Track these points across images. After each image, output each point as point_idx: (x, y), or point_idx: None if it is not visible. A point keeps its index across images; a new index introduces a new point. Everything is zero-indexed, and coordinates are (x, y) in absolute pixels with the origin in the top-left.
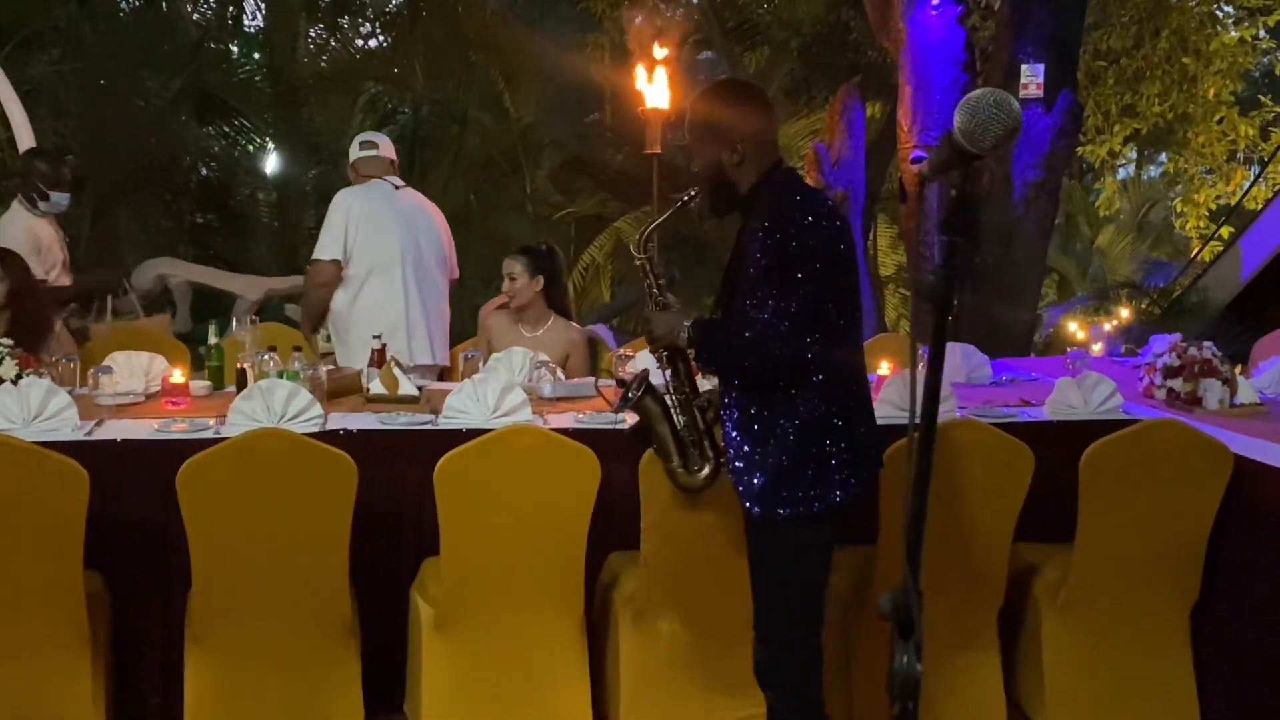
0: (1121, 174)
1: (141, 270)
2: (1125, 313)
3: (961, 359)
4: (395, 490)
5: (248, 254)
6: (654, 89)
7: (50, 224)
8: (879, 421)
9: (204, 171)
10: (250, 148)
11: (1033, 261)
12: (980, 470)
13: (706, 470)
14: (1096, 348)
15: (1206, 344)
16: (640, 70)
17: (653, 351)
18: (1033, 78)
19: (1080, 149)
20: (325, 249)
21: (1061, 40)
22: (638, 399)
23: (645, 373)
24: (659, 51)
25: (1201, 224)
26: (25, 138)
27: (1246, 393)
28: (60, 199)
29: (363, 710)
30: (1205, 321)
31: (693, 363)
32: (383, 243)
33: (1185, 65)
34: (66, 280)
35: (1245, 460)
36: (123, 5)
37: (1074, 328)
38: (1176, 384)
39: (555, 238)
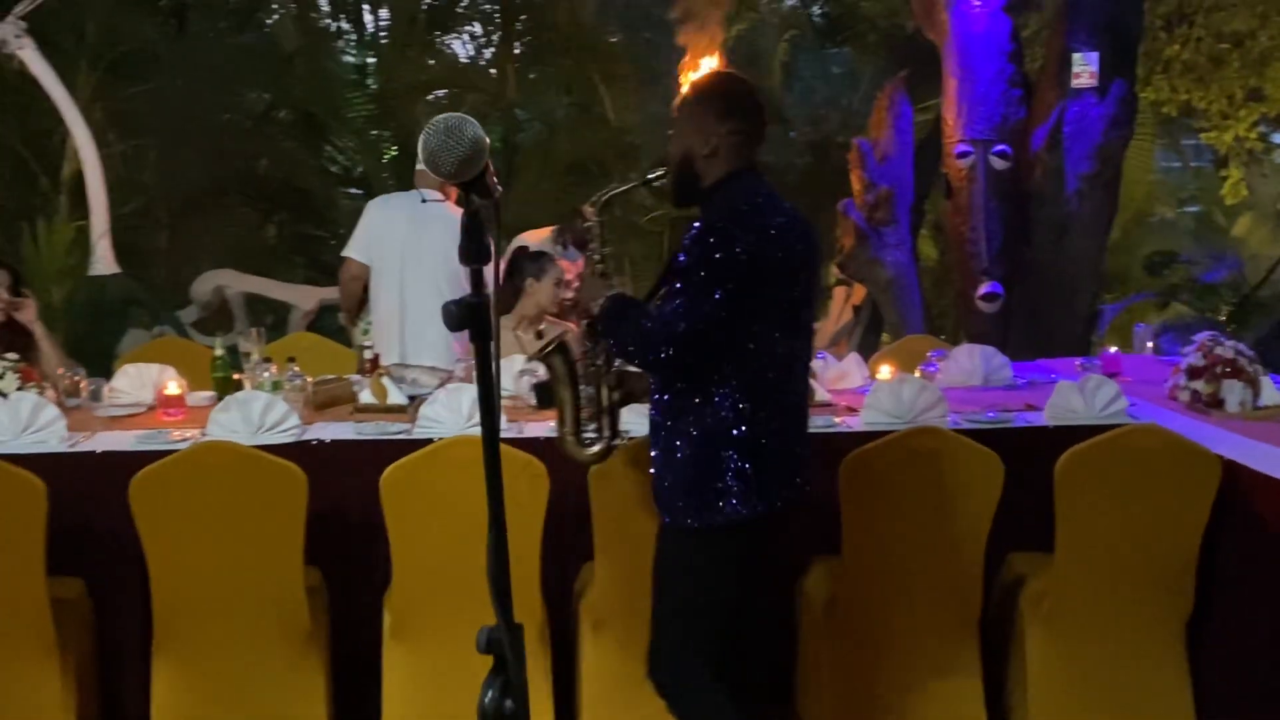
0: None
1: (200, 282)
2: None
3: (979, 360)
4: (370, 499)
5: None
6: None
7: None
8: (865, 428)
9: (301, 184)
10: (349, 159)
11: (1088, 257)
12: (948, 480)
13: (597, 447)
14: (1150, 346)
15: (1230, 341)
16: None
17: (575, 317)
18: (1085, 67)
19: (1204, 135)
20: (349, 248)
21: (1117, 27)
22: (546, 354)
23: (565, 332)
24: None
25: None
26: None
27: (1270, 394)
28: None
29: (327, 718)
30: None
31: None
32: (387, 246)
33: None
34: None
35: (1243, 468)
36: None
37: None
38: (1199, 385)
39: (645, 241)
